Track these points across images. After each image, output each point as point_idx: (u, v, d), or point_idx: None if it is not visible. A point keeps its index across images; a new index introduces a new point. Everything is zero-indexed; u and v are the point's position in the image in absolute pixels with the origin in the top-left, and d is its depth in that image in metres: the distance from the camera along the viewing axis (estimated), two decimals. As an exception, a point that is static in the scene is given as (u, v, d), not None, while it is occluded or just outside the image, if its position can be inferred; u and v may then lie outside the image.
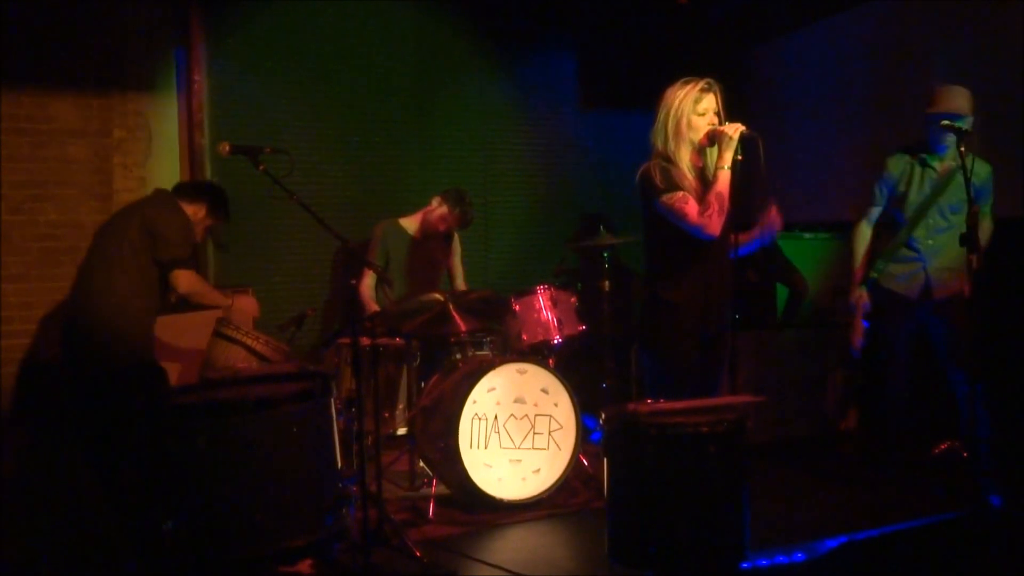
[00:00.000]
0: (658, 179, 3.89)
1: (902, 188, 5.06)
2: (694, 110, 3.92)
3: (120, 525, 4.25)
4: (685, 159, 3.95)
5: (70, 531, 4.61)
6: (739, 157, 3.87)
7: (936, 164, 5.02)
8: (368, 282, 5.90)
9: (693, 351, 4.01)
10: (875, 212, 5.19)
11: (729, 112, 4.00)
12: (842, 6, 6.64)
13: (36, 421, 5.53)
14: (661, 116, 3.96)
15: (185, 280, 4.70)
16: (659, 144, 3.97)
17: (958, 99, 4.87)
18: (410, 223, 6.06)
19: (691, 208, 3.85)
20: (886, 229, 5.23)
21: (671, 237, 3.94)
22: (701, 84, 3.95)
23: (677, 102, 3.93)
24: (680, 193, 3.87)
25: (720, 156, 3.90)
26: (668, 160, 3.94)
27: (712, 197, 3.85)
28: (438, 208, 5.93)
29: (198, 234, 4.96)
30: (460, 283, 6.19)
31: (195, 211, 4.89)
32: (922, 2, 6.09)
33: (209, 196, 5.00)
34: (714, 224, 3.85)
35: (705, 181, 3.95)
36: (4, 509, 4.88)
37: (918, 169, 5.04)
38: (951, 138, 4.76)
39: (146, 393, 4.30)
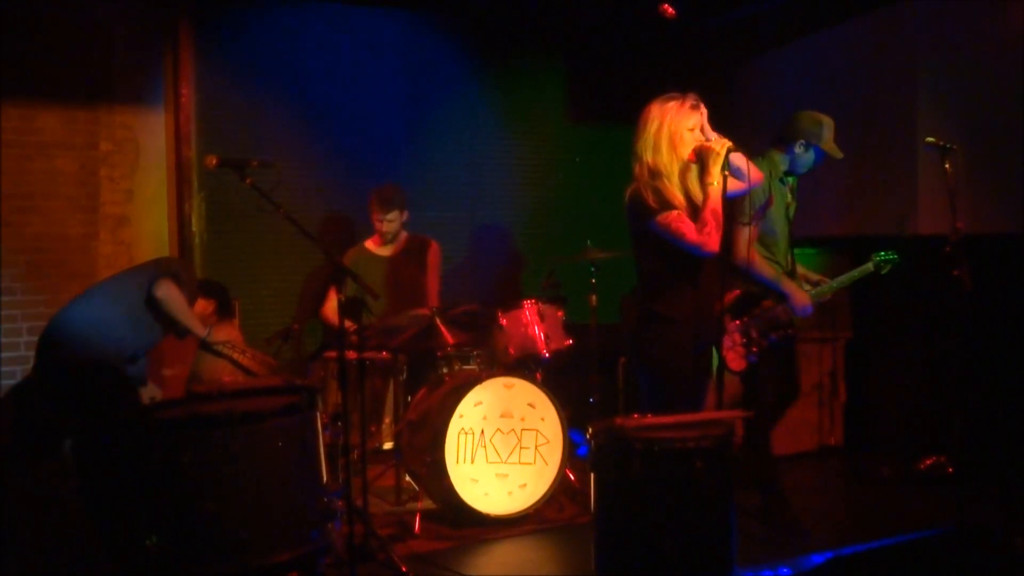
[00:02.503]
0: (651, 199, 3.88)
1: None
2: (685, 126, 3.93)
3: (103, 540, 4.22)
4: (675, 174, 3.95)
5: (51, 546, 4.57)
6: (726, 173, 3.88)
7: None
8: (332, 305, 5.85)
9: (688, 366, 4.03)
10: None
11: (716, 127, 4.01)
12: (830, 22, 6.67)
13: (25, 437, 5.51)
14: (651, 129, 3.93)
15: (165, 288, 4.65)
16: (649, 158, 3.93)
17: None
18: (373, 242, 6.03)
19: (688, 227, 3.86)
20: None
21: (664, 255, 3.96)
22: (690, 101, 3.96)
23: (669, 117, 3.92)
24: (675, 212, 3.87)
25: (708, 172, 3.89)
26: (657, 175, 3.92)
27: (708, 215, 3.86)
28: (372, 217, 5.95)
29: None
30: (432, 301, 6.00)
31: (204, 307, 5.06)
32: (911, 18, 6.12)
33: (217, 297, 5.21)
34: (714, 241, 3.88)
35: (689, 197, 3.96)
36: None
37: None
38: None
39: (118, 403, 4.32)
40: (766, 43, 7.22)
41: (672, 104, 3.95)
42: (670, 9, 4.90)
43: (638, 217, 3.93)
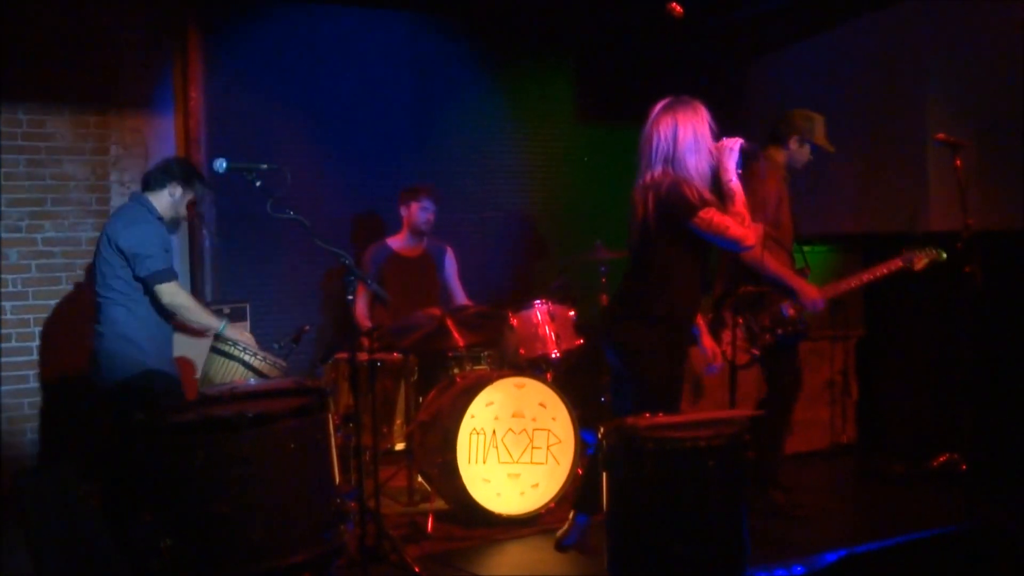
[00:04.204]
0: (693, 196, 3.91)
1: None
2: (706, 128, 4.01)
3: (118, 542, 4.23)
4: (707, 175, 4.02)
5: (69, 550, 4.59)
6: (739, 170, 3.95)
7: None
8: (363, 303, 5.90)
9: (681, 368, 4.15)
10: None
11: (726, 125, 4.05)
12: (839, 20, 6.66)
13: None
14: (687, 135, 3.97)
15: (168, 292, 4.56)
16: (691, 161, 3.96)
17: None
18: (397, 241, 6.05)
19: (730, 221, 3.93)
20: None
21: (677, 254, 4.00)
22: (698, 103, 4.04)
23: (694, 120, 4.00)
24: (713, 208, 3.93)
25: (725, 169, 3.99)
26: (690, 178, 3.96)
27: (741, 208, 3.96)
28: (408, 208, 5.97)
29: (186, 213, 4.86)
30: (461, 300, 6.12)
31: (172, 191, 4.70)
32: (919, 15, 6.11)
33: (178, 172, 4.76)
34: (753, 235, 3.97)
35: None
36: (4, 524, 4.87)
37: None
38: None
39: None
40: (775, 41, 7.21)
41: (688, 108, 4.02)
42: (679, 8, 4.89)
43: (676, 213, 3.94)
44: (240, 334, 4.75)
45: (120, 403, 4.46)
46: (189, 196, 4.78)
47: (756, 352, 4.79)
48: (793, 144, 4.98)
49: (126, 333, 4.52)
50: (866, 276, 4.99)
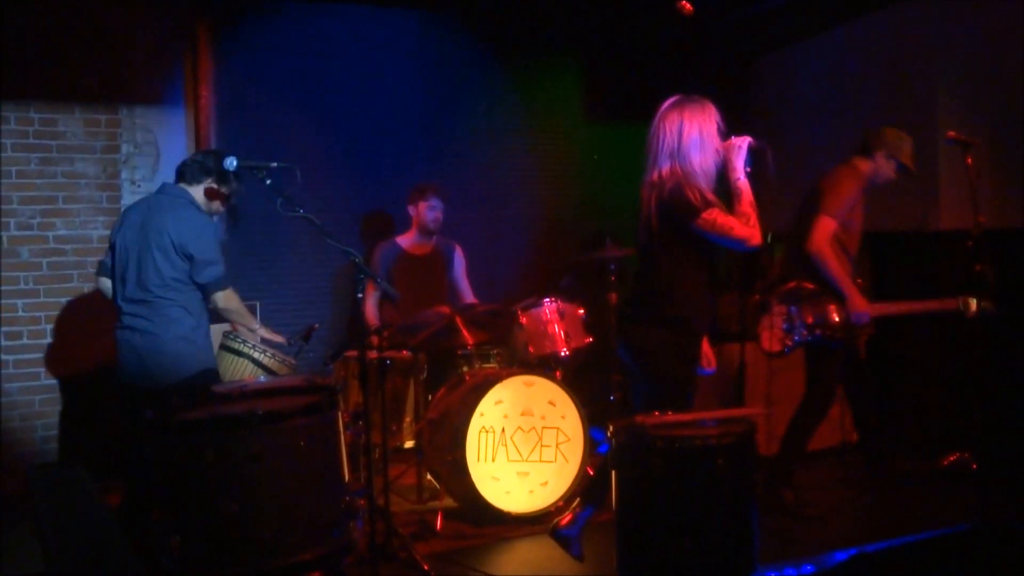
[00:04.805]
0: (696, 198, 3.90)
1: None
2: (713, 127, 4.00)
3: (128, 539, 4.24)
4: (712, 174, 4.01)
5: (81, 548, 4.60)
6: (748, 169, 3.94)
7: None
8: (372, 301, 5.90)
9: (693, 370, 4.12)
10: None
11: (733, 123, 4.05)
12: (845, 18, 6.65)
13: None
14: (691, 132, 3.96)
15: (224, 298, 4.50)
16: (696, 159, 3.96)
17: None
18: (406, 240, 6.06)
19: (734, 221, 3.92)
20: None
21: (682, 256, 3.98)
22: (706, 101, 4.03)
23: (700, 118, 3.98)
24: (716, 209, 3.92)
25: (733, 168, 3.97)
26: (697, 175, 3.96)
27: (747, 208, 3.94)
28: (416, 207, 5.96)
29: (219, 207, 4.68)
30: (469, 299, 6.12)
31: (208, 186, 4.55)
32: (925, 13, 6.10)
33: (214, 168, 4.57)
34: (758, 234, 3.94)
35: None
36: (12, 522, 4.88)
37: None
38: None
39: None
40: (784, 39, 7.20)
41: (695, 106, 4.01)
42: (688, 6, 4.89)
43: (678, 215, 3.93)
44: (270, 333, 4.78)
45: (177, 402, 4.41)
46: (228, 191, 4.63)
47: (789, 344, 4.82)
48: (880, 158, 5.05)
49: (186, 334, 4.38)
50: (918, 306, 5.05)
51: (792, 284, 4.82)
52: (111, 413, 5.17)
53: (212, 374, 4.50)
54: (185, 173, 4.55)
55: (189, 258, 4.36)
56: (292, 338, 5.16)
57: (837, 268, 4.85)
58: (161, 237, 4.35)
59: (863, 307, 4.87)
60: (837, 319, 4.85)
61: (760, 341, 4.86)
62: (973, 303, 4.88)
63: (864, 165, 5.07)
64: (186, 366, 4.38)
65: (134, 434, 4.26)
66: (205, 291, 4.43)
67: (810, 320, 4.85)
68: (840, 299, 4.86)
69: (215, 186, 4.54)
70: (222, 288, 4.45)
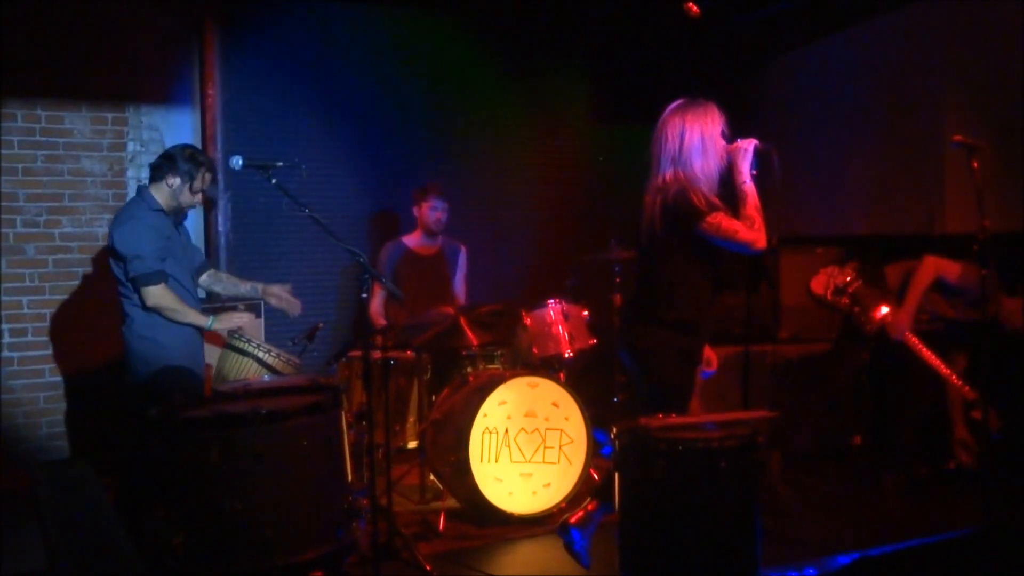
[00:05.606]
0: (700, 202, 3.88)
1: None
2: (717, 130, 3.98)
3: (133, 537, 4.25)
4: (715, 178, 3.99)
5: (84, 547, 4.61)
6: (754, 172, 3.92)
7: None
8: (377, 301, 5.91)
9: (692, 376, 4.08)
10: None
11: (742, 125, 4.03)
12: (853, 21, 6.64)
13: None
14: (693, 136, 3.94)
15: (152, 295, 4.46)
16: (698, 163, 3.94)
17: None
18: (413, 240, 6.06)
19: (738, 225, 3.89)
20: None
21: (685, 260, 3.97)
22: (711, 104, 4.01)
23: (703, 122, 3.96)
24: (720, 213, 3.89)
25: (739, 171, 3.95)
26: (699, 180, 3.94)
27: (753, 211, 3.92)
28: (419, 208, 5.96)
29: (193, 200, 4.69)
30: (460, 302, 6.08)
31: (170, 182, 4.56)
32: (933, 17, 6.09)
33: (178, 162, 4.59)
34: (763, 238, 3.90)
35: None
36: (16, 520, 4.89)
37: None
38: None
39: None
40: (792, 41, 7.20)
41: (698, 110, 3.99)
42: (695, 7, 4.89)
43: (683, 220, 3.90)
44: (229, 322, 4.72)
45: (143, 402, 4.43)
46: (191, 185, 4.58)
47: (828, 299, 4.88)
48: None
49: (142, 332, 4.47)
50: (945, 369, 5.14)
51: (873, 290, 4.89)
52: (116, 410, 5.19)
53: (186, 373, 4.51)
54: (151, 171, 4.66)
55: (123, 256, 4.43)
56: (297, 338, 5.16)
57: (917, 280, 5.01)
58: (109, 237, 4.55)
59: (906, 327, 5.02)
60: (872, 328, 4.88)
61: (816, 280, 4.91)
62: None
63: None
64: (146, 364, 4.46)
65: (137, 431, 4.28)
66: (134, 288, 4.44)
67: (862, 320, 4.91)
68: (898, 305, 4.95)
69: (178, 180, 4.57)
70: (148, 284, 4.42)
